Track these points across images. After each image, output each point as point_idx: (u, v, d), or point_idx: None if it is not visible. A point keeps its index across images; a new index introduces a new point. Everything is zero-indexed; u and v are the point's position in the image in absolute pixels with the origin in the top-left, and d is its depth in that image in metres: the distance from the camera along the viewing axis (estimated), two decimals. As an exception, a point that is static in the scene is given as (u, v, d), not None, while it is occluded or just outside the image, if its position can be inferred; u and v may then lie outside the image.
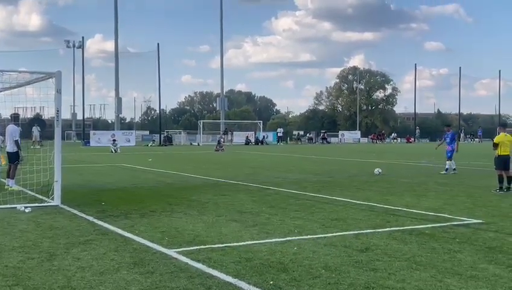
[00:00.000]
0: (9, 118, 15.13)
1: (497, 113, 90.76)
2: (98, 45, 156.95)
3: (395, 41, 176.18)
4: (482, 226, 9.03)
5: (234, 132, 68.53)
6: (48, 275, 5.99)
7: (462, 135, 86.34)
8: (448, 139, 20.12)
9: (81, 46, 68.66)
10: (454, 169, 19.47)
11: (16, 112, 17.49)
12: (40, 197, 12.01)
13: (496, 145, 14.37)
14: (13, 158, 14.04)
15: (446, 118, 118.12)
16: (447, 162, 19.63)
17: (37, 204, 11.20)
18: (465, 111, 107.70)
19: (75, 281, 5.76)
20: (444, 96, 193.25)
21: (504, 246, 7.55)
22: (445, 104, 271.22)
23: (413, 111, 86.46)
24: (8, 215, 9.96)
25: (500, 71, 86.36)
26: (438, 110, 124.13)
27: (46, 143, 24.69)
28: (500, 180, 13.97)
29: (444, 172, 19.30)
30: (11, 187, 13.66)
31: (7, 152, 14.36)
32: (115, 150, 38.72)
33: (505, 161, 14.14)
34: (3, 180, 15.01)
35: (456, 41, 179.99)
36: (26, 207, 10.65)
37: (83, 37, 69.48)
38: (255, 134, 65.86)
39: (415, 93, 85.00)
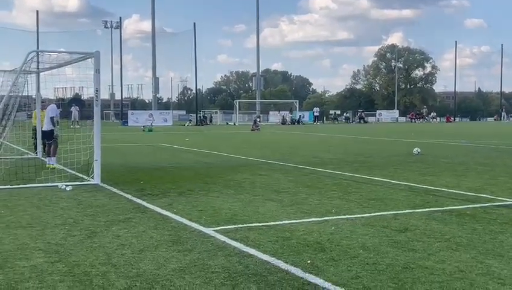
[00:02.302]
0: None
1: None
2: (135, 25, 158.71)
3: (435, 19, 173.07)
4: (525, 207, 8.80)
5: (270, 112, 68.47)
6: (89, 252, 6.11)
7: (503, 113, 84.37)
8: None
9: (119, 26, 69.38)
10: None
11: (59, 95, 17.73)
12: (81, 175, 12.24)
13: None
14: (48, 136, 14.31)
15: (487, 96, 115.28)
16: None
17: (77, 182, 11.42)
18: (506, 90, 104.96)
19: (115, 258, 5.86)
20: (485, 74, 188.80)
21: (548, 227, 7.34)
22: (486, 83, 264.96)
23: (453, 90, 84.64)
24: (50, 194, 10.19)
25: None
26: (479, 88, 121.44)
27: (86, 122, 25.13)
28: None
29: None
30: (52, 165, 13.97)
31: (42, 131, 14.63)
32: (149, 129, 39.29)
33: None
34: (44, 159, 15.37)
35: (498, 18, 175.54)
36: (67, 185, 10.87)
37: (120, 18, 70.29)
38: (291, 113, 65.66)
39: (455, 71, 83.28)
